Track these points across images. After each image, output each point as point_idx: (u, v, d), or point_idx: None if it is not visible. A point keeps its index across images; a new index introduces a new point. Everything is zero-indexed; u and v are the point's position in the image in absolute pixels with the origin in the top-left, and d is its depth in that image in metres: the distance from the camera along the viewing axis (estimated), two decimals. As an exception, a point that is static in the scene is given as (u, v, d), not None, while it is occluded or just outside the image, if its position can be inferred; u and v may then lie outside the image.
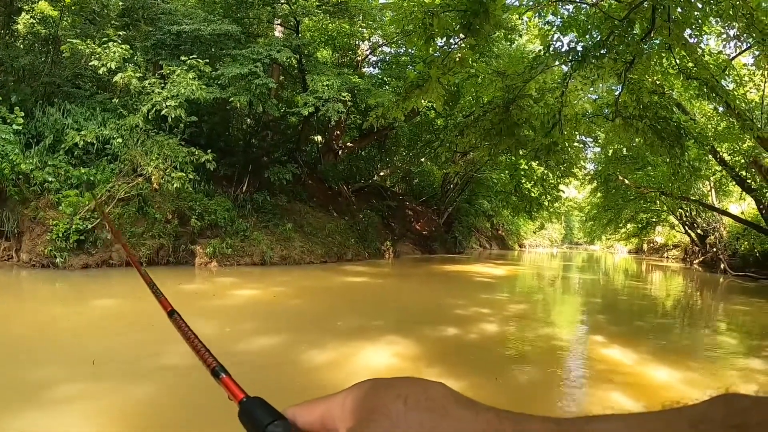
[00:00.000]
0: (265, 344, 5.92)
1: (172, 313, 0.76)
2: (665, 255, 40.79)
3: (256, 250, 13.77)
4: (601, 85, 11.33)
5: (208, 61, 12.32)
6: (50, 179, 10.36)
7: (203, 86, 11.51)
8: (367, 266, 16.70)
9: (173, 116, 11.01)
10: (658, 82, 12.78)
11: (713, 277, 22.55)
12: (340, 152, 21.80)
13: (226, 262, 12.84)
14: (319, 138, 20.91)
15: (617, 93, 11.03)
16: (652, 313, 11.49)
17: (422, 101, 11.41)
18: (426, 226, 27.63)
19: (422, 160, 24.94)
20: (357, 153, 24.51)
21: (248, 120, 16.40)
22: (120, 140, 11.06)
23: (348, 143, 22.56)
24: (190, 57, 11.80)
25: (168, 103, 10.95)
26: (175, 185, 10.85)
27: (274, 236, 14.70)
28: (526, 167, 28.59)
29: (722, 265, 23.49)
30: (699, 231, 28.51)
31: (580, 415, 0.32)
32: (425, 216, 28.28)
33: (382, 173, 26.25)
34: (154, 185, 10.91)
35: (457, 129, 14.59)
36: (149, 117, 11.29)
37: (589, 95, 12.47)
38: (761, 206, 18.65)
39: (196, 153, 11.52)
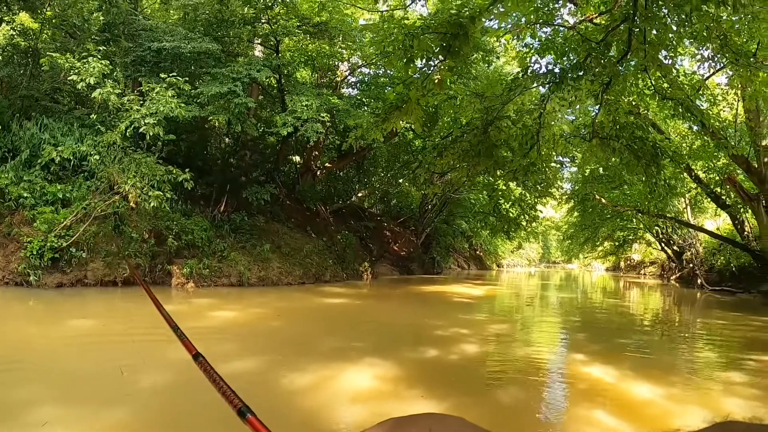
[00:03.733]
0: (243, 367, 5.80)
1: (197, 357, 0.75)
2: (642, 272, 41.34)
3: (233, 270, 13.64)
4: (578, 106, 11.44)
5: (187, 79, 12.23)
6: (25, 195, 10.21)
7: (182, 104, 11.43)
8: (346, 287, 16.64)
9: (151, 134, 10.89)
10: (634, 103, 12.95)
11: (690, 293, 22.86)
12: (318, 173, 21.78)
13: (203, 283, 12.70)
14: (297, 158, 20.87)
15: (594, 114, 11.16)
16: (631, 330, 11.56)
17: (401, 123, 11.44)
18: (404, 246, 27.64)
19: (400, 180, 24.95)
20: (335, 174, 24.48)
21: (227, 139, 16.33)
22: (97, 157, 10.93)
23: (326, 164, 22.56)
24: (170, 75, 11.71)
25: (146, 121, 10.83)
26: (152, 204, 10.71)
27: (251, 257, 14.58)
28: (504, 188, 28.79)
29: (699, 281, 23.90)
30: (675, 247, 28.97)
31: None
32: (403, 237, 28.31)
33: (360, 194, 26.27)
34: (131, 204, 10.78)
35: (436, 150, 14.64)
36: (127, 134, 11.18)
37: (566, 116, 12.58)
38: (736, 222, 19.02)
39: (174, 172, 11.41)
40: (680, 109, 9.95)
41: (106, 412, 4.10)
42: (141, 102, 11.35)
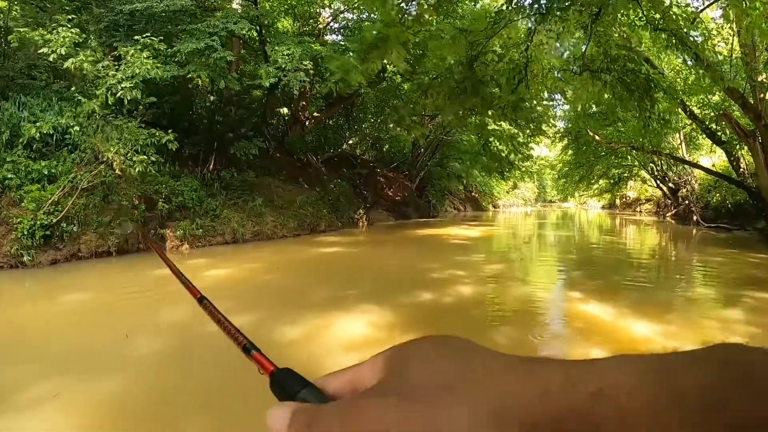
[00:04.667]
0: (237, 323, 5.72)
1: (201, 300, 0.78)
2: (638, 209, 41.42)
3: (227, 228, 13.54)
4: (567, 40, 11.13)
5: (162, 38, 11.83)
6: (10, 176, 9.95)
7: (158, 65, 11.09)
8: (341, 236, 16.68)
9: (129, 98, 10.58)
10: (625, 35, 12.64)
11: (686, 229, 22.95)
12: (307, 123, 21.42)
13: (198, 244, 12.60)
14: (285, 110, 20.54)
15: (584, 47, 10.87)
16: (627, 267, 11.55)
17: (387, 65, 11.16)
18: (398, 192, 27.57)
19: (390, 125, 24.65)
20: (324, 123, 24.14)
21: (211, 97, 15.93)
22: (77, 128, 10.60)
23: (315, 114, 22.16)
24: (144, 36, 11.35)
25: (123, 85, 10.51)
26: (137, 169, 10.49)
27: (244, 213, 14.47)
28: (496, 127, 28.52)
29: (695, 217, 23.95)
30: (671, 185, 28.87)
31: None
32: (397, 182, 28.17)
33: (351, 141, 26.02)
34: (117, 171, 10.57)
35: (421, 89, 14.34)
36: (108, 102, 10.84)
37: (555, 50, 12.26)
38: (732, 158, 18.81)
39: (157, 134, 11.15)
40: (674, 41, 9.64)
41: (103, 383, 4.09)
42: (117, 67, 11.01)
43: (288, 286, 8.27)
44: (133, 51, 11.05)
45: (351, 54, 15.58)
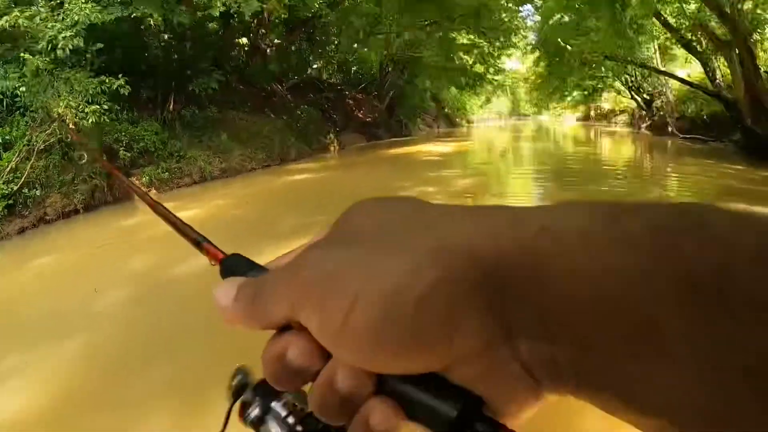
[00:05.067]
0: (199, 265, 5.67)
1: (155, 206, 0.74)
2: (613, 120, 41.22)
3: (194, 168, 13.41)
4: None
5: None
6: (-37, 149, 9.60)
7: (98, 8, 10.55)
8: (312, 162, 16.78)
9: (71, 48, 10.11)
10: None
11: (662, 141, 23.07)
12: (268, 51, 20.80)
13: (166, 187, 12.50)
14: (244, 40, 19.87)
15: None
16: (603, 178, 11.61)
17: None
18: (368, 113, 27.24)
19: (354, 46, 24.01)
20: (287, 49, 23.41)
21: (166, 36, 15.24)
22: (24, 89, 10.19)
23: (276, 41, 21.49)
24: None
25: (63, 35, 10.01)
26: (90, 120, 10.15)
27: (210, 150, 14.33)
28: (466, 41, 27.96)
29: (670, 129, 23.83)
30: (645, 96, 28.62)
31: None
32: (367, 103, 27.76)
33: (316, 66, 25.40)
34: (70, 126, 10.20)
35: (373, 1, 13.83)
36: (53, 56, 10.35)
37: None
38: (708, 69, 18.55)
39: (108, 81, 10.77)
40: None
41: (75, 341, 4.23)
42: (56, 17, 10.45)
43: (256, 219, 8.32)
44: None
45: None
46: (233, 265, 0.46)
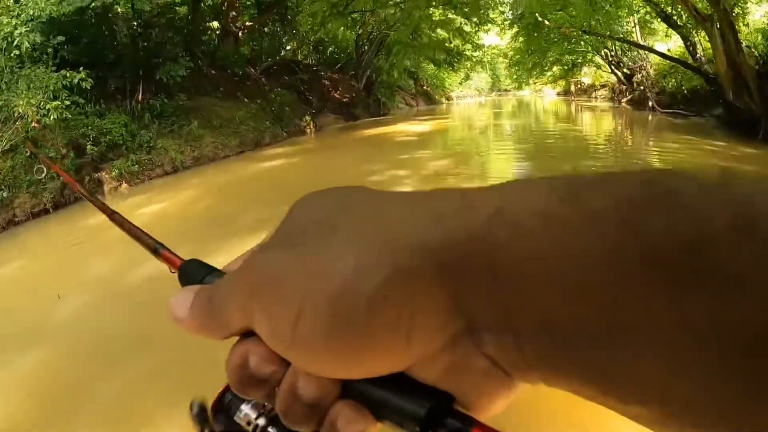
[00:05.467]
0: (153, 271, 5.45)
1: (112, 215, 0.83)
2: (593, 95, 41.19)
3: (165, 158, 13.16)
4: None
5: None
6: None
7: (50, 0, 10.28)
8: (288, 146, 16.60)
9: (28, 44, 9.84)
10: None
11: (642, 115, 22.98)
12: (240, 34, 20.45)
13: (137, 180, 12.24)
14: (215, 24, 19.55)
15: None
16: (584, 156, 11.58)
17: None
18: (345, 93, 26.93)
19: (328, 25, 23.71)
20: (259, 32, 23.11)
21: (134, 24, 14.91)
22: (-17, 87, 9.91)
23: (247, 23, 21.15)
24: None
25: (18, 31, 9.74)
26: (52, 117, 9.92)
27: (181, 139, 14.03)
28: (444, 17, 27.75)
29: (650, 103, 23.73)
30: (625, 70, 28.57)
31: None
32: (343, 83, 27.44)
33: (289, 48, 25.09)
34: (33, 123, 9.97)
35: None
36: (11, 53, 10.08)
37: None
38: (688, 43, 18.45)
39: (69, 75, 10.47)
40: None
41: (35, 353, 4.15)
42: (13, 13, 10.19)
43: (220, 211, 8.21)
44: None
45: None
46: (191, 272, 0.45)
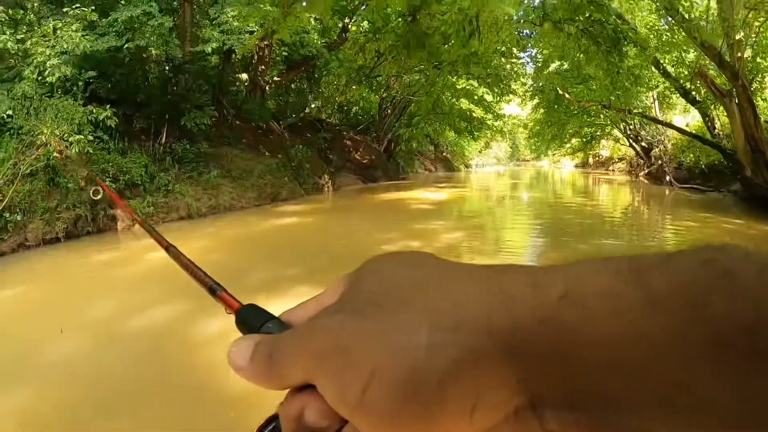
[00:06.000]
0: (153, 318, 5.49)
1: (168, 248, 0.86)
2: (611, 168, 41.48)
3: (181, 203, 13.05)
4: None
5: (95, 8, 11.12)
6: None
7: (87, 37, 10.44)
8: (304, 203, 16.37)
9: (58, 76, 9.94)
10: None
11: (659, 189, 23.02)
12: (267, 89, 20.70)
13: (151, 222, 11.99)
14: (244, 76, 19.78)
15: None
16: (599, 234, 11.24)
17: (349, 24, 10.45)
18: (366, 154, 27.15)
19: (354, 87, 23.98)
20: (286, 87, 23.44)
21: (167, 67, 15.13)
22: (9, 112, 9.96)
23: (275, 78, 21.43)
24: (74, 7, 10.70)
25: (51, 62, 9.84)
26: (75, 150, 9.91)
27: (199, 185, 13.96)
28: (468, 87, 28.03)
29: (668, 178, 23.96)
30: (643, 144, 28.80)
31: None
32: (364, 145, 27.71)
33: (314, 105, 25.38)
34: (55, 153, 9.96)
35: (357, 45, 13.59)
36: (44, 81, 10.19)
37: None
38: (707, 119, 18.50)
39: (95, 111, 10.55)
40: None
41: (31, 389, 3.96)
42: (46, 43, 10.34)
43: (228, 267, 7.91)
44: (61, 24, 10.39)
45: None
46: (249, 317, 0.45)
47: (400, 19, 11.07)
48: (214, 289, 0.58)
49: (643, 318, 0.25)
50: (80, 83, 10.80)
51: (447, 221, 13.36)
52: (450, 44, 11.75)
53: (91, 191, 10.17)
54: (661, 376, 0.24)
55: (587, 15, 10.45)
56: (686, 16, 11.01)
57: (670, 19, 11.96)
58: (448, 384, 0.27)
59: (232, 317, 0.49)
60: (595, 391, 0.26)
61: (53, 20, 10.77)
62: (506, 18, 11.75)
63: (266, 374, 0.36)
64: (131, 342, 4.81)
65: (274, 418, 0.42)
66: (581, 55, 12.37)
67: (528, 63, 26.43)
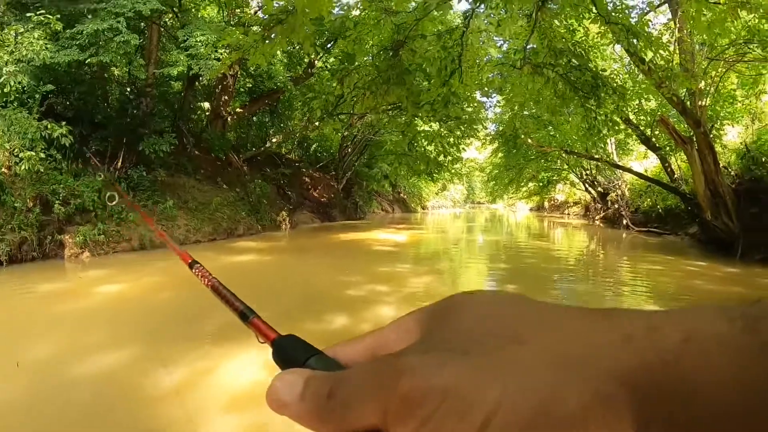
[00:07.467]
0: (102, 363, 4.81)
1: (192, 264, 0.76)
2: (566, 212, 42.11)
3: (134, 233, 12.24)
4: (509, 28, 10.30)
5: (60, 17, 10.51)
6: None
7: (49, 46, 9.80)
8: (261, 240, 15.76)
9: (13, 84, 9.23)
10: (572, 28, 12.06)
11: (616, 233, 23.38)
12: (228, 119, 20.14)
13: (101, 251, 11.30)
14: (206, 105, 19.24)
15: (528, 39, 10.11)
16: (558, 279, 11.04)
17: (314, 59, 10.14)
18: (324, 192, 26.84)
19: (316, 123, 23.69)
20: (248, 119, 22.95)
21: (128, 89, 14.48)
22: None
23: (237, 109, 20.93)
24: (38, 13, 10.03)
25: (7, 69, 9.16)
26: (23, 167, 9.16)
27: (154, 216, 13.15)
28: (427, 128, 28.06)
29: (625, 221, 24.48)
30: (600, 189, 29.27)
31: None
32: (323, 182, 27.40)
33: (275, 140, 24.95)
34: (3, 169, 9.23)
35: (335, 78, 13.28)
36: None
37: (493, 39, 11.44)
38: (666, 164, 18.93)
39: (50, 127, 9.82)
40: (624, 35, 8.94)
41: None
42: (7, 49, 9.68)
43: (181, 308, 7.08)
44: (23, 30, 9.73)
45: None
46: (290, 350, 0.42)
47: (381, 53, 10.75)
48: (245, 314, 0.50)
49: (757, 363, 0.25)
50: (37, 96, 10.11)
51: (411, 265, 12.95)
52: (430, 83, 11.50)
53: (106, 196, 9.68)
54: None
55: (568, 60, 10.33)
56: (651, 66, 11.09)
57: (634, 68, 12.04)
58: (577, 428, 0.26)
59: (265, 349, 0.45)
60: (709, 431, 0.26)
61: (15, 25, 10.15)
62: (488, 59, 11.62)
63: (321, 415, 0.32)
64: (71, 392, 4.17)
65: None
66: (555, 101, 12.24)
67: (490, 107, 26.61)
